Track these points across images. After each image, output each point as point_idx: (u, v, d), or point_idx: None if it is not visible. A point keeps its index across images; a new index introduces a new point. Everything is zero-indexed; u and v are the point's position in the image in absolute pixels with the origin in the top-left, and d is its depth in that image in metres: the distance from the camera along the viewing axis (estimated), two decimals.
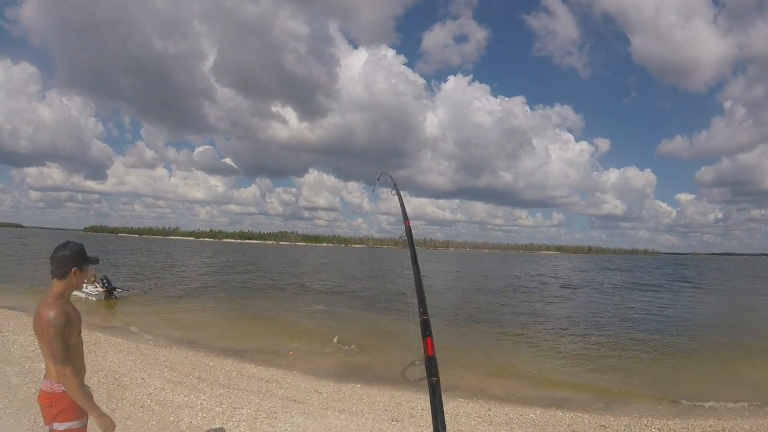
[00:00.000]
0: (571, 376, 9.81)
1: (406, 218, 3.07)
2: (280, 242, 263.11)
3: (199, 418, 5.63)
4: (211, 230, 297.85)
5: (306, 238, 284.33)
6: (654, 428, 6.43)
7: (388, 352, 11.18)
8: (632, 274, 53.38)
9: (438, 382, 1.91)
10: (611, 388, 8.99)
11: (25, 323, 10.69)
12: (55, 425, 2.62)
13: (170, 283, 25.17)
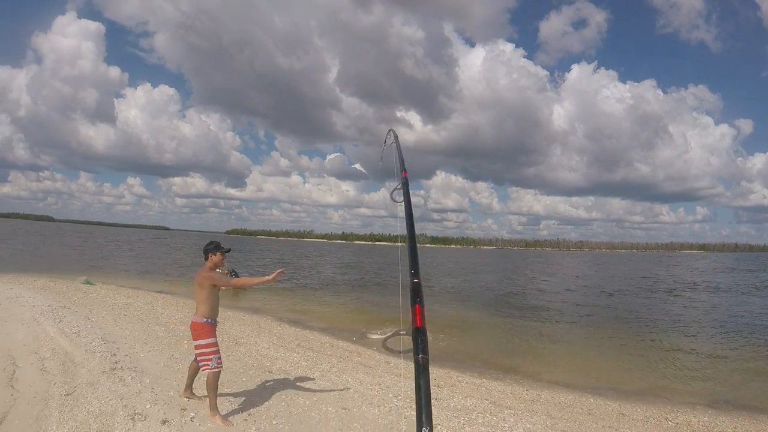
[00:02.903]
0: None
1: (403, 168, 3.00)
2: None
3: (287, 366, 7.70)
4: (343, 233, 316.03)
5: (434, 239, 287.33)
6: None
7: (465, 338, 12.62)
8: None
9: (427, 360, 1.64)
10: None
11: (169, 302, 14.49)
12: (198, 342, 4.89)
13: (293, 277, 28.90)
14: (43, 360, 6.64)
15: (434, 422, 5.26)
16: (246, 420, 4.96)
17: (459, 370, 9.27)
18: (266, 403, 5.61)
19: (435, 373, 8.38)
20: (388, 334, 1.86)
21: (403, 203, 2.53)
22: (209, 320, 4.90)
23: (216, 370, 4.85)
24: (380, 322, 14.26)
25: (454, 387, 7.64)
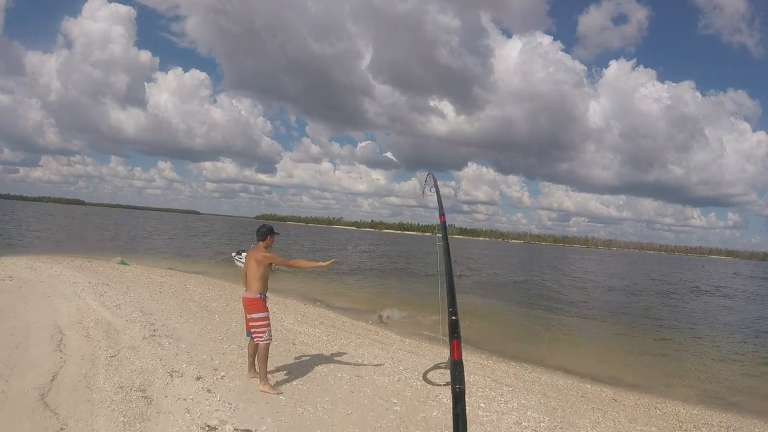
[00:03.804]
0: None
1: (442, 213, 3.20)
2: (437, 234, 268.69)
3: (309, 339, 8.40)
4: (372, 221, 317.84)
5: (463, 231, 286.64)
6: None
7: (481, 324, 13.25)
8: None
9: (463, 391, 1.78)
10: None
11: (201, 281, 15.53)
12: (253, 315, 5.33)
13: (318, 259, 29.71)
14: (87, 329, 7.38)
15: (437, 393, 5.81)
16: (270, 382, 5.55)
17: (468, 351, 9.82)
18: (288, 368, 6.26)
19: (445, 352, 8.88)
20: (429, 368, 2.09)
21: (441, 243, 2.81)
22: (262, 296, 5.36)
23: (267, 341, 5.34)
24: (401, 305, 14.86)
25: None
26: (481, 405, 5.96)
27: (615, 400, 7.59)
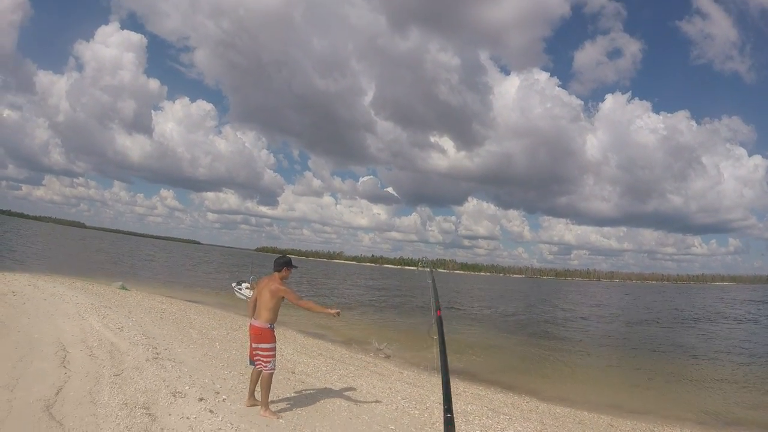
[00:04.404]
0: None
1: (438, 307, 3.20)
2: (439, 269, 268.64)
3: (308, 369, 8.51)
4: (372, 255, 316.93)
5: (464, 266, 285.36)
6: None
7: (481, 358, 13.17)
8: None
9: None
10: None
11: (201, 310, 15.65)
12: (261, 345, 5.38)
13: (317, 294, 29.80)
14: (91, 348, 7.56)
15: (433, 421, 5.94)
16: (271, 409, 5.69)
17: (468, 382, 10.02)
18: (287, 395, 6.40)
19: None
20: None
21: (437, 338, 3.07)
22: (271, 326, 5.48)
23: (272, 371, 5.42)
24: (400, 339, 14.95)
25: (459, 396, 8.31)
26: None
27: (611, 425, 7.73)
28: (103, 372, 6.30)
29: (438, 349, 2.98)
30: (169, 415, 4.99)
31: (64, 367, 6.40)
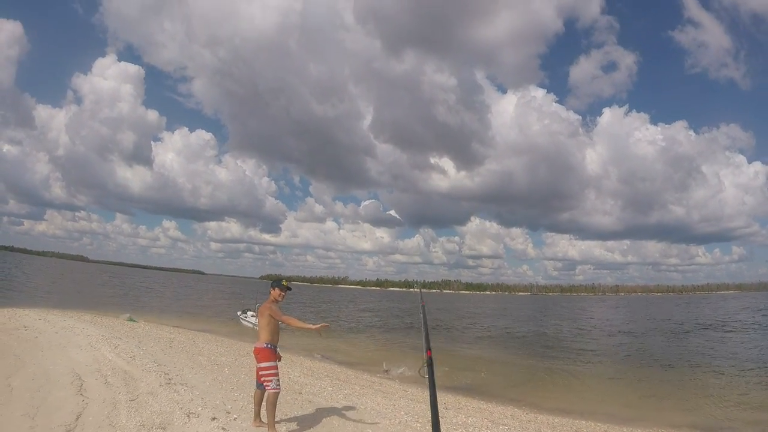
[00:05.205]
0: None
1: (428, 347, 3.18)
2: (444, 290, 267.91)
3: (314, 389, 8.83)
4: (378, 279, 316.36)
5: (469, 286, 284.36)
6: None
7: (483, 373, 13.55)
8: None
9: None
10: None
11: (208, 338, 16.06)
12: (261, 364, 5.73)
13: (322, 318, 30.01)
14: (105, 376, 7.90)
15: None
16: (278, 426, 6.00)
17: (470, 397, 10.38)
18: (294, 413, 6.76)
19: (446, 398, 9.49)
20: None
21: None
22: (269, 345, 5.75)
23: (275, 390, 5.65)
24: (405, 360, 15.20)
25: (460, 409, 8.65)
26: None
27: None
28: (119, 397, 6.63)
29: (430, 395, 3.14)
30: None
31: (81, 395, 6.73)
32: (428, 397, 3.13)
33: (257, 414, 5.98)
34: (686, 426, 9.04)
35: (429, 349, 3.51)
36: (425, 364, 3.46)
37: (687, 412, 10.20)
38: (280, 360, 5.93)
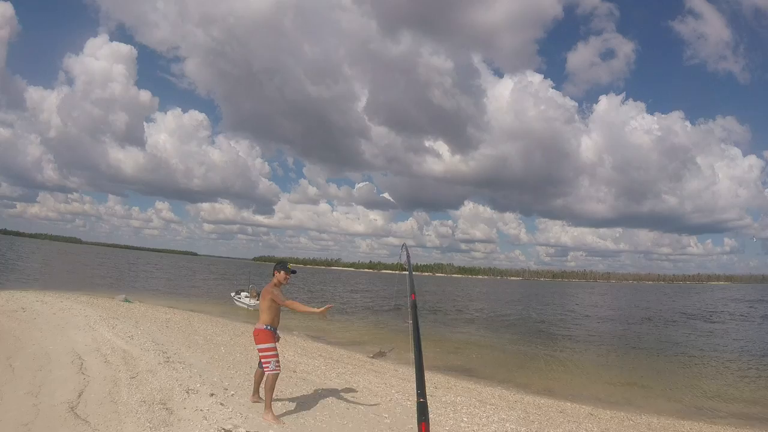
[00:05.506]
0: None
1: (412, 291, 3.18)
2: (436, 274, 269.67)
3: (308, 368, 9.17)
4: (370, 261, 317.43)
5: (462, 270, 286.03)
6: None
7: (473, 355, 13.89)
8: None
9: None
10: None
11: (204, 319, 16.28)
12: (260, 345, 5.81)
13: (314, 299, 30.36)
14: (105, 355, 8.13)
15: None
16: (275, 403, 6.25)
17: (458, 378, 10.71)
18: (290, 391, 7.03)
19: (436, 379, 9.83)
20: None
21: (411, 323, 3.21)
22: (268, 327, 5.70)
23: (274, 372, 5.64)
24: (396, 341, 15.56)
25: (449, 389, 9.00)
26: (464, 419, 6.75)
27: (591, 414, 8.34)
28: (120, 375, 6.87)
29: (412, 336, 3.16)
30: (185, 408, 5.58)
31: (82, 373, 6.95)
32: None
33: (256, 390, 6.16)
34: (670, 413, 9.25)
35: (413, 292, 3.58)
36: (409, 307, 3.49)
37: (672, 400, 10.47)
38: (278, 341, 5.93)
